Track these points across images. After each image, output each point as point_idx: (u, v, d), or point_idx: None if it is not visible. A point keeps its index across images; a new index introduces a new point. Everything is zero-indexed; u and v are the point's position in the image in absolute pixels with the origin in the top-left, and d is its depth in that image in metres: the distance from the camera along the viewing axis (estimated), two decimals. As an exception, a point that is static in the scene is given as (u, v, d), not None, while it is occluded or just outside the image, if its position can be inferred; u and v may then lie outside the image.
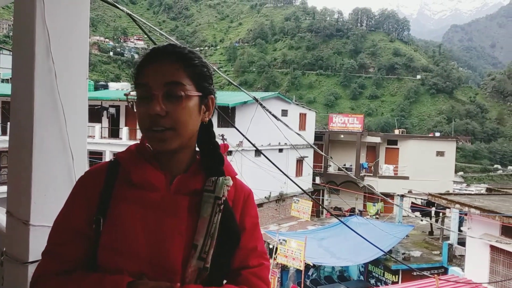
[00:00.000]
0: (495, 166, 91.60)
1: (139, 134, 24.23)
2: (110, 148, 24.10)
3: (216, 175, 1.12)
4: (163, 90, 1.04)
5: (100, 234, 1.05)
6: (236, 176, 1.19)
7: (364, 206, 28.42)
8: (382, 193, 16.99)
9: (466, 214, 14.73)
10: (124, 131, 24.97)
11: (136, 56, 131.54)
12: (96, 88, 32.68)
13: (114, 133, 26.24)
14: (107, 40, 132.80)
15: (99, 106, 25.30)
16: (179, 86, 1.05)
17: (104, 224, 1.05)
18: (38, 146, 1.54)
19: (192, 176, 1.12)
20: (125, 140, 24.22)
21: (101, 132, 25.64)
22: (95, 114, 25.11)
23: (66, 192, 1.62)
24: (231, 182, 1.13)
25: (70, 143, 1.64)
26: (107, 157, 24.16)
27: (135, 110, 1.07)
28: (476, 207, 13.28)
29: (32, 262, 1.53)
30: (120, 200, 1.07)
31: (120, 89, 33.25)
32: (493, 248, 13.11)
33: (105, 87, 34.48)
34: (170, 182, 1.10)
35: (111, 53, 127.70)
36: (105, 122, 26.26)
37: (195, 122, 1.09)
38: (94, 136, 24.60)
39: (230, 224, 1.11)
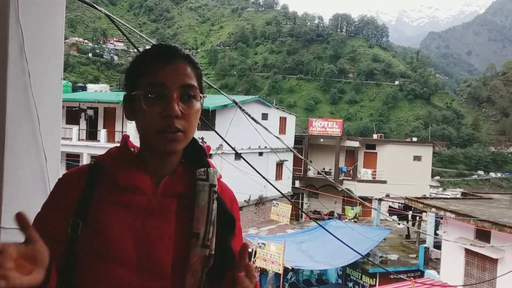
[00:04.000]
0: (479, 172, 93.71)
1: (118, 137, 23.99)
2: (88, 151, 23.73)
3: (203, 166, 1.13)
4: (179, 91, 1.03)
5: (77, 239, 1.01)
6: (221, 179, 1.19)
7: (343, 209, 28.65)
8: (360, 197, 17.15)
9: (442, 218, 15.00)
10: (102, 133, 24.63)
11: (115, 57, 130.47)
12: (74, 90, 32.19)
13: (92, 135, 25.84)
14: (86, 41, 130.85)
15: (77, 108, 24.89)
16: (192, 89, 1.06)
17: (84, 229, 1.01)
18: (10, 147, 1.50)
19: (178, 178, 1.10)
20: (103, 143, 23.87)
21: (79, 134, 25.22)
22: (72, 116, 24.69)
23: (39, 194, 1.59)
24: (219, 173, 1.15)
25: (44, 144, 1.60)
26: (85, 160, 23.77)
27: (143, 109, 1.02)
28: (451, 211, 13.53)
29: (2, 266, 1.49)
30: (103, 204, 1.03)
31: (99, 91, 32.84)
32: (467, 251, 13.37)
33: (84, 88, 33.99)
34: (156, 184, 1.08)
35: (90, 55, 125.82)
36: (83, 124, 25.85)
37: (196, 125, 1.10)
38: (71, 139, 24.17)
39: (225, 210, 1.12)
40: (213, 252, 1.05)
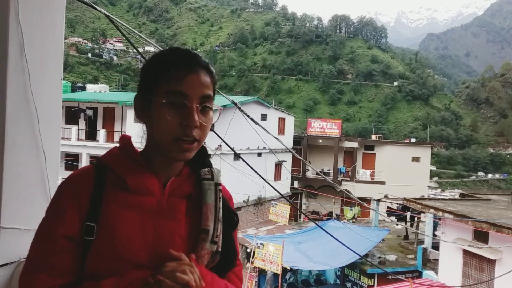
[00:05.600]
0: (479, 173, 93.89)
1: (117, 137, 23.96)
2: (87, 151, 23.72)
3: (207, 166, 1.15)
4: (199, 102, 1.04)
5: (91, 242, 1.00)
6: None
7: (341, 210, 28.63)
8: (359, 198, 17.19)
9: (440, 219, 15.01)
10: (101, 133, 24.62)
11: (115, 58, 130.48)
12: (74, 90, 32.20)
13: (91, 135, 25.83)
14: (85, 41, 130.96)
15: (76, 108, 24.88)
16: (210, 100, 1.08)
17: (97, 231, 1.00)
18: (9, 147, 1.50)
19: (185, 179, 1.12)
20: (102, 143, 23.86)
21: (78, 134, 25.21)
22: (72, 116, 24.68)
23: (39, 194, 1.60)
24: (221, 173, 1.18)
25: (43, 144, 1.61)
26: (84, 160, 23.75)
27: (162, 115, 1.03)
28: (449, 212, 13.54)
29: (2, 265, 1.49)
30: (113, 206, 1.02)
31: (98, 91, 32.83)
32: (465, 252, 13.38)
33: (83, 88, 33.99)
34: (163, 185, 1.09)
35: (89, 55, 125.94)
36: (82, 124, 25.83)
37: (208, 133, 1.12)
38: (70, 139, 24.15)
39: (229, 208, 1.16)
40: (220, 249, 1.07)
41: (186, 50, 1.10)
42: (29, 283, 0.99)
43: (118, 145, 1.14)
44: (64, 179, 1.09)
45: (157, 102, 1.03)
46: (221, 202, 1.11)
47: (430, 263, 16.77)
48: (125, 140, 1.12)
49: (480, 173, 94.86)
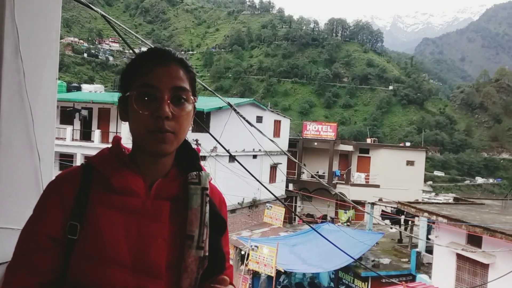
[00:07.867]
0: (476, 177, 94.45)
1: (111, 137, 23.88)
2: (82, 151, 23.61)
3: (195, 170, 1.14)
4: (170, 93, 1.05)
5: (75, 241, 1.01)
6: (211, 181, 1.20)
7: (336, 213, 28.71)
8: (353, 201, 17.19)
9: (434, 223, 15.06)
10: (96, 133, 24.52)
11: (111, 58, 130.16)
12: (69, 90, 32.05)
13: (86, 135, 25.72)
14: (81, 41, 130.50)
15: (71, 108, 24.77)
16: (184, 91, 1.07)
17: (81, 230, 1.01)
18: (4, 146, 1.50)
19: (171, 181, 1.11)
20: (97, 143, 23.76)
21: (73, 135, 25.10)
22: (67, 116, 24.57)
23: (32, 194, 1.59)
24: (211, 176, 1.16)
25: (37, 144, 1.60)
26: (78, 160, 23.63)
27: (135, 109, 1.04)
28: (443, 216, 13.60)
29: (-5, 265, 1.49)
30: (98, 206, 1.03)
31: (94, 91, 32.70)
32: (459, 256, 13.44)
33: (78, 88, 33.84)
34: (150, 186, 1.09)
35: (85, 55, 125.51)
36: (77, 124, 25.73)
37: (189, 127, 1.11)
38: (65, 139, 24.04)
39: (217, 213, 1.14)
40: (207, 254, 1.07)
41: (160, 47, 1.13)
42: (10, 280, 1.01)
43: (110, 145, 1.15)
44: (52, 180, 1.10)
45: (130, 98, 1.05)
46: (207, 207, 1.10)
47: (424, 266, 16.80)
48: (115, 141, 1.13)
49: (477, 178, 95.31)
